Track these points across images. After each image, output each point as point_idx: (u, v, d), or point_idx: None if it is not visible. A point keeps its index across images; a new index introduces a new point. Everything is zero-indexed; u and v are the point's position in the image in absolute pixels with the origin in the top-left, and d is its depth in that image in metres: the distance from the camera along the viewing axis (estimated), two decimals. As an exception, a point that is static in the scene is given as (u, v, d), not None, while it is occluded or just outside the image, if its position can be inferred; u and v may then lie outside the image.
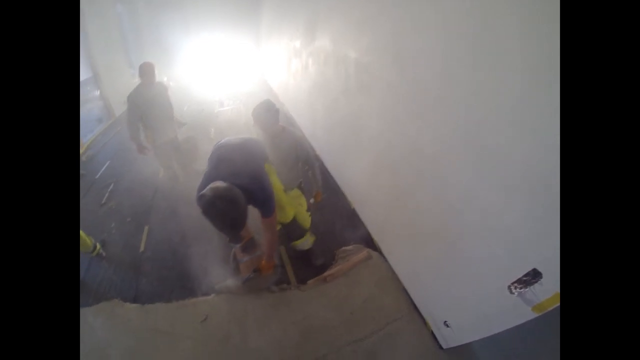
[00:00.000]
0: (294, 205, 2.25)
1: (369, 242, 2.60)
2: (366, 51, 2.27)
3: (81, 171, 4.26)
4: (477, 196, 1.37)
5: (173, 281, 2.44)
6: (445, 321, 1.76)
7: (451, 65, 1.43)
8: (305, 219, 2.34)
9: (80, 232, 2.53)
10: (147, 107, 3.00)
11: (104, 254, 2.71)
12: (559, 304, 1.02)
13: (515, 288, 1.18)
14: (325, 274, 2.30)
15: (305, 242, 2.39)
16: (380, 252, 2.46)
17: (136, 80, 7.80)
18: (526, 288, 1.13)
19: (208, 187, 1.44)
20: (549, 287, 1.05)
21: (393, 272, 2.30)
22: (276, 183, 2.03)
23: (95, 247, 2.66)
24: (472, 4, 1.25)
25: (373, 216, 2.62)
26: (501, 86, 1.17)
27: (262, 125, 2.14)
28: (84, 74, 6.00)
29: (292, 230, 2.29)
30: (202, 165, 3.83)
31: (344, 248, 2.55)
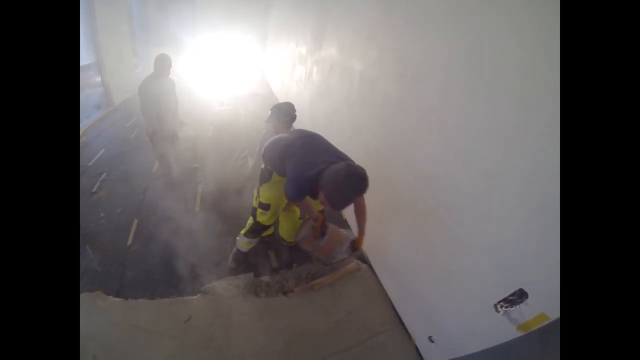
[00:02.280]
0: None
1: (359, 253, 2.61)
2: (372, 64, 2.32)
3: (73, 158, 4.24)
4: (469, 215, 1.42)
5: (159, 277, 2.43)
6: (430, 336, 1.79)
7: (453, 85, 1.49)
8: (295, 228, 2.49)
9: None
10: (157, 98, 3.02)
11: None
12: (543, 324, 1.06)
13: (502, 307, 1.22)
14: (313, 282, 2.31)
15: None
16: (369, 265, 2.49)
17: (138, 71, 7.83)
18: (512, 307, 1.17)
19: (352, 165, 1.56)
20: (535, 307, 1.09)
21: (380, 285, 2.32)
22: None
23: None
24: (479, 31, 1.31)
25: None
26: (500, 109, 1.22)
27: (276, 123, 2.20)
28: (88, 59, 5.99)
29: None
30: (198, 163, 3.90)
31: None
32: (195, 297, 2.26)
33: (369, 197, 2.38)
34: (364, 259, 2.55)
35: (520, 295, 1.14)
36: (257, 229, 2.33)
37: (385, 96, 2.12)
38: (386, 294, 2.25)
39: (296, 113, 2.27)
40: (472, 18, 1.37)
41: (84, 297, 2.25)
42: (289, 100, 2.65)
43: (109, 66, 6.34)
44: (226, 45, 9.94)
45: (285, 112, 2.19)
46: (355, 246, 2.02)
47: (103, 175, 3.81)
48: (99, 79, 6.37)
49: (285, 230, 2.58)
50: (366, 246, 2.55)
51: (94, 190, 3.51)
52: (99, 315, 2.14)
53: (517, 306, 1.15)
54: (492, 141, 1.27)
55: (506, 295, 1.20)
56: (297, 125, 2.33)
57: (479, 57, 1.32)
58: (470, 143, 1.38)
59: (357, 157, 2.48)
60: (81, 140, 4.81)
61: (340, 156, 1.77)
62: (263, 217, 2.24)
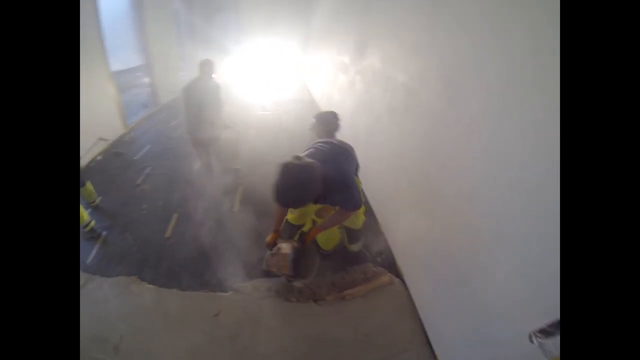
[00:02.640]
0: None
1: (392, 267, 2.61)
2: (415, 76, 2.33)
3: (121, 150, 4.60)
4: (510, 241, 1.38)
5: (193, 271, 2.53)
6: (458, 362, 1.74)
7: (496, 100, 1.47)
8: (332, 237, 2.57)
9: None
10: (199, 99, 3.22)
11: (98, 232, 2.95)
12: None
13: (536, 337, 1.17)
14: (345, 292, 2.33)
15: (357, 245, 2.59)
16: (402, 279, 2.47)
17: (184, 74, 8.38)
18: (547, 339, 1.13)
19: (297, 156, 1.55)
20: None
21: (412, 302, 2.29)
22: None
23: (89, 223, 2.89)
24: (525, 48, 1.29)
25: (400, 242, 2.64)
26: (544, 127, 1.18)
27: (319, 131, 2.28)
28: (138, 61, 6.49)
29: (354, 234, 2.49)
30: (239, 164, 4.06)
31: (374, 268, 2.58)
32: (226, 294, 2.34)
33: (408, 210, 2.40)
34: (397, 273, 2.54)
35: (557, 327, 1.09)
36: (286, 228, 2.42)
37: (428, 108, 2.12)
38: (417, 312, 2.22)
39: (340, 122, 2.32)
40: (516, 35, 1.35)
41: (120, 280, 2.42)
42: (330, 109, 2.72)
43: (157, 68, 6.81)
44: (268, 52, 10.31)
45: (329, 122, 2.26)
46: (303, 238, 2.06)
47: (147, 170, 4.08)
48: (147, 79, 6.90)
49: (322, 239, 2.63)
50: (401, 259, 2.55)
51: (138, 182, 3.77)
52: (131, 299, 2.29)
53: (553, 338, 1.10)
54: (535, 161, 1.23)
55: (543, 325, 1.16)
56: (338, 135, 2.38)
57: (525, 74, 1.30)
58: (517, 158, 1.35)
59: (400, 170, 2.51)
60: (128, 136, 5.19)
61: (335, 170, 1.73)
62: (291, 215, 2.35)
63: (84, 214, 2.87)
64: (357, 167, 2.15)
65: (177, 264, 2.62)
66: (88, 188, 3.17)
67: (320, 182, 1.59)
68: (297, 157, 1.54)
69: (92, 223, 2.93)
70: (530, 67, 1.26)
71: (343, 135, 2.53)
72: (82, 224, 2.84)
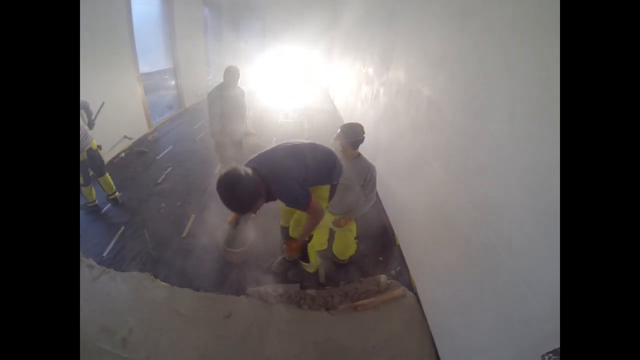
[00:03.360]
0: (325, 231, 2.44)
1: (407, 281, 2.62)
2: (440, 90, 2.37)
3: (144, 149, 4.81)
4: (528, 256, 1.37)
5: (207, 272, 2.59)
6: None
7: (524, 120, 1.47)
8: (348, 247, 2.54)
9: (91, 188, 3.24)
10: (224, 105, 3.37)
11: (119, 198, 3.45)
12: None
13: (550, 359, 1.17)
14: (357, 302, 2.34)
15: (311, 267, 2.52)
16: (415, 293, 2.47)
17: (209, 78, 8.69)
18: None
19: (233, 167, 1.65)
20: None
21: (423, 316, 2.29)
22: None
23: (95, 200, 3.31)
24: (556, 58, 1.31)
25: (415, 257, 2.65)
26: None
27: (343, 142, 2.34)
28: (166, 64, 6.82)
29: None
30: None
31: (387, 281, 2.58)
32: (238, 297, 2.38)
33: (426, 227, 2.43)
34: (411, 287, 2.55)
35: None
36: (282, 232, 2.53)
37: (453, 124, 2.14)
38: (428, 327, 2.21)
39: (365, 136, 2.37)
40: (544, 49, 1.36)
41: (133, 276, 2.51)
42: (353, 120, 2.77)
43: (184, 72, 7.16)
44: (292, 60, 10.59)
45: (354, 134, 2.31)
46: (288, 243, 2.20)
47: (168, 169, 4.24)
48: (173, 82, 7.22)
49: (338, 248, 2.67)
50: (416, 274, 2.55)
51: (158, 181, 3.93)
52: (143, 294, 2.36)
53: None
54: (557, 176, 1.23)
55: (557, 346, 1.15)
56: (361, 147, 2.42)
57: (552, 90, 1.31)
58: (540, 180, 1.35)
59: (421, 185, 2.53)
60: (152, 135, 5.41)
61: (270, 170, 1.77)
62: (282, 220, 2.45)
63: (93, 193, 3.27)
64: (330, 172, 2.10)
65: (192, 264, 2.68)
66: (107, 179, 3.33)
67: (257, 184, 1.68)
68: (231, 169, 1.62)
69: (96, 201, 3.34)
70: (558, 82, 1.28)
71: (366, 147, 2.56)
72: (90, 200, 3.27)
